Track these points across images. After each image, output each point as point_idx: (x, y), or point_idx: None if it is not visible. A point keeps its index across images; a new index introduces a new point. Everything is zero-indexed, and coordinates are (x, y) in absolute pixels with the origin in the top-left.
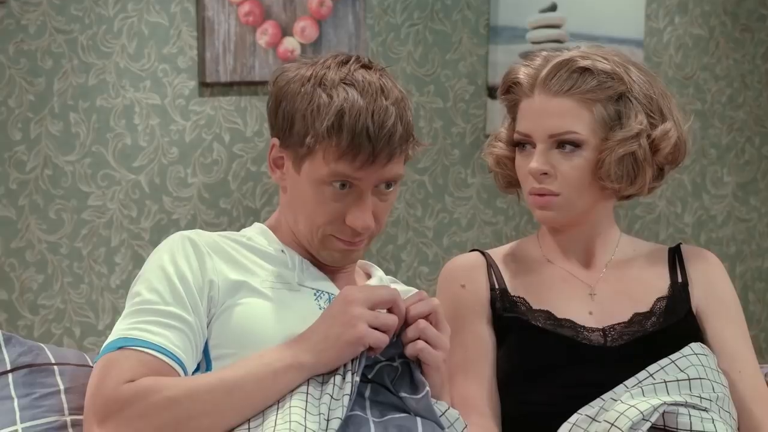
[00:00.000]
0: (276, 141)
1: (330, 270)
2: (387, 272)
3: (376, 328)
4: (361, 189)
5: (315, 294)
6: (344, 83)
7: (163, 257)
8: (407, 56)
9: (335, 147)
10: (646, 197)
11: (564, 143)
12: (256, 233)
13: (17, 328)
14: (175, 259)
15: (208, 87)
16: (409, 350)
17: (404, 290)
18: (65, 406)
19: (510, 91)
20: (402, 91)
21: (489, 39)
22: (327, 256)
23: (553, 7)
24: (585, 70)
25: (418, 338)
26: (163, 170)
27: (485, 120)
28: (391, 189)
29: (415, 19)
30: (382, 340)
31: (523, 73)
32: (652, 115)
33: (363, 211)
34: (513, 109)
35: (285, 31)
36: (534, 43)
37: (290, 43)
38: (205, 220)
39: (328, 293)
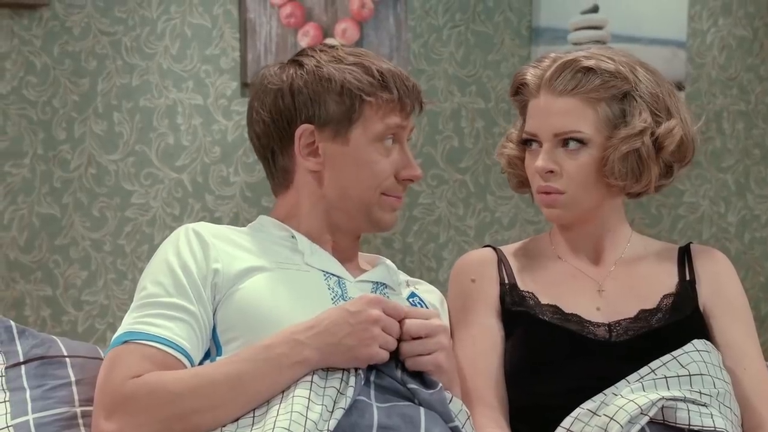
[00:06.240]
0: (308, 127)
1: (340, 256)
2: (428, 270)
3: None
4: (401, 141)
5: (324, 275)
6: (355, 56)
7: (168, 250)
8: (449, 57)
9: (387, 102)
10: (690, 197)
11: (569, 141)
12: (263, 223)
13: (61, 323)
14: (179, 250)
15: (250, 88)
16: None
17: (411, 281)
18: (76, 397)
19: (519, 92)
20: None
21: (531, 40)
22: (382, 218)
23: (595, 9)
24: (589, 70)
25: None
26: (206, 169)
27: None
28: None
29: (457, 21)
30: (385, 358)
31: (530, 74)
32: (657, 113)
33: (413, 161)
34: (523, 110)
35: (326, 33)
36: (575, 44)
37: None
38: (248, 218)
39: (337, 276)
